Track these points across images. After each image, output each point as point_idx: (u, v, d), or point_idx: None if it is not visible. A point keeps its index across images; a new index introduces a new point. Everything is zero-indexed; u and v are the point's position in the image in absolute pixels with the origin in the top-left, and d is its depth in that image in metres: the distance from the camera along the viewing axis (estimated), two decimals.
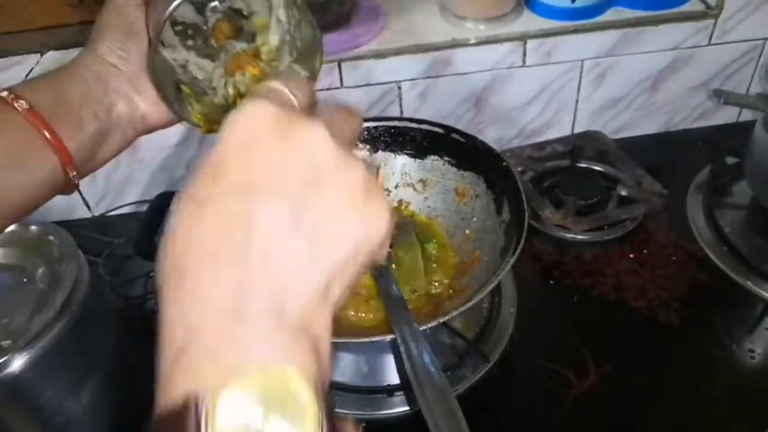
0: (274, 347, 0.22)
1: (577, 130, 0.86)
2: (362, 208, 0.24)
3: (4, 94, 0.35)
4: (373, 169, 0.27)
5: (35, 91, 0.36)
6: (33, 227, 0.61)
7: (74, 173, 0.36)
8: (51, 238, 0.59)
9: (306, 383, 0.21)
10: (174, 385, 0.22)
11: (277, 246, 0.23)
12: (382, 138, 0.72)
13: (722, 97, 0.63)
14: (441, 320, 0.51)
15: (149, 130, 0.41)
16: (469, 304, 0.51)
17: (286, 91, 0.26)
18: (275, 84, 0.26)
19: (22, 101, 0.34)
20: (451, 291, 0.62)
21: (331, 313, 0.24)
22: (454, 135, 0.68)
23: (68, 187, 0.37)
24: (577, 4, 0.75)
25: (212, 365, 0.21)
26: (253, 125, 0.24)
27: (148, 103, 0.39)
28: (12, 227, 0.60)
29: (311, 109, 0.28)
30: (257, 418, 0.20)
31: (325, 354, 0.23)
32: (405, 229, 0.66)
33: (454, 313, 0.51)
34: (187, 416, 0.20)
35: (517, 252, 0.54)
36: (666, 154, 0.84)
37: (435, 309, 0.59)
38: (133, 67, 0.38)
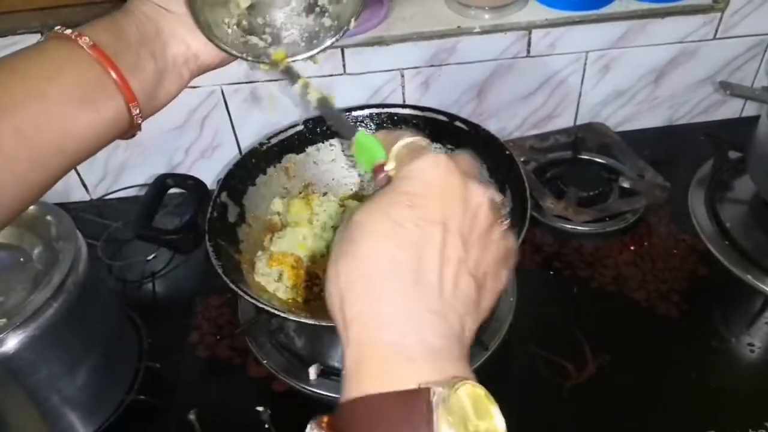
0: (464, 367, 0.27)
1: (579, 122, 0.85)
2: (501, 268, 0.31)
3: (68, 32, 0.35)
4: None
5: (96, 30, 0.36)
6: (31, 207, 0.60)
7: (138, 112, 0.37)
8: (49, 218, 0.59)
9: (495, 406, 0.26)
10: (388, 369, 0.25)
11: (463, 282, 0.28)
12: (384, 125, 0.71)
13: (728, 88, 0.62)
14: None
15: (203, 70, 0.42)
16: None
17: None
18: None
19: (85, 38, 0.35)
20: None
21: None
22: (457, 123, 0.68)
23: (131, 128, 0.38)
24: None
25: (434, 366, 0.26)
26: (442, 173, 0.29)
27: (199, 42, 0.40)
28: None
29: None
30: (472, 414, 0.24)
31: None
32: None
33: None
34: (416, 402, 0.24)
35: (520, 239, 0.54)
36: (669, 148, 0.84)
37: None
38: (180, 7, 0.39)
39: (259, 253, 0.60)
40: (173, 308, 0.72)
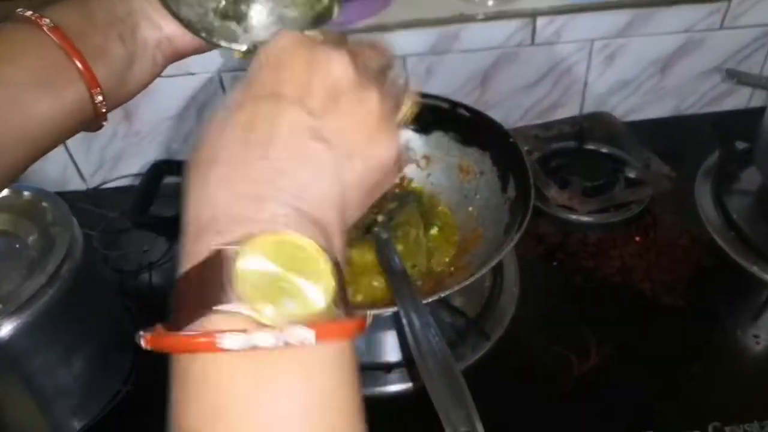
0: (293, 228, 0.23)
1: (585, 112, 0.84)
2: (374, 132, 0.27)
3: (29, 13, 0.34)
4: (400, 102, 0.30)
5: (60, 11, 0.35)
6: (26, 193, 0.59)
7: (101, 100, 0.35)
8: (45, 204, 0.58)
9: (323, 253, 0.23)
10: (200, 247, 0.23)
11: (298, 144, 0.25)
12: None
13: (735, 76, 0.61)
14: (442, 294, 0.50)
15: (179, 56, 0.40)
16: (472, 278, 0.50)
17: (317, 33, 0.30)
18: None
19: (46, 19, 0.34)
20: (452, 269, 0.60)
21: (344, 225, 0.26)
22: (459, 110, 0.66)
23: (97, 118, 0.36)
24: None
25: (238, 230, 0.23)
26: (283, 47, 0.27)
27: (173, 25, 0.38)
28: (5, 192, 0.59)
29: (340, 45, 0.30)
30: (277, 270, 0.22)
31: (341, 251, 0.25)
32: (406, 200, 0.65)
33: (456, 287, 0.49)
34: (212, 268, 0.22)
35: (523, 227, 0.53)
36: (675, 139, 0.83)
37: (436, 286, 0.58)
38: None
39: None
40: (169, 298, 0.71)
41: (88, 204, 0.81)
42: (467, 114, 0.66)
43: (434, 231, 0.65)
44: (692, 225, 0.70)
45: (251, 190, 0.24)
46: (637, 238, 0.69)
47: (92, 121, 0.36)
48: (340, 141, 0.26)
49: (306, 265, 0.22)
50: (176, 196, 0.85)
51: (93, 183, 0.86)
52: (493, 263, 0.52)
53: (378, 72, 0.29)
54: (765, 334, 0.60)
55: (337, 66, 0.27)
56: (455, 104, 0.67)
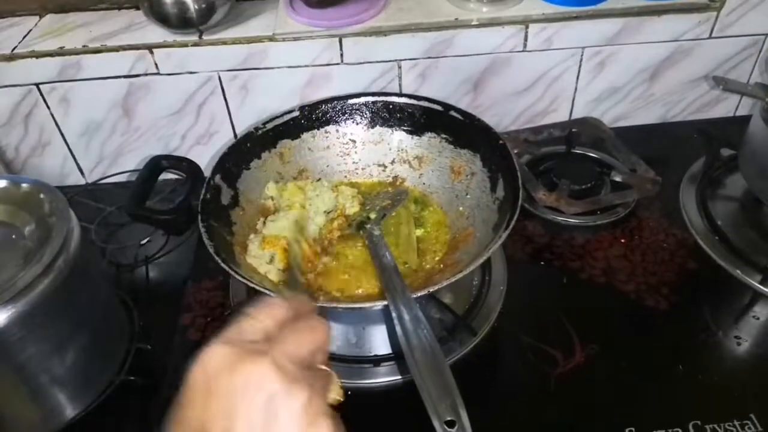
0: None
1: (574, 118, 0.86)
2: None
3: None
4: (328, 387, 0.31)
5: None
6: (24, 185, 0.60)
7: None
8: (42, 196, 0.59)
9: None
10: None
11: None
12: (380, 113, 0.72)
13: (722, 83, 0.63)
14: (431, 290, 0.51)
15: None
16: (460, 275, 0.51)
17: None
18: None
19: None
20: (442, 266, 0.62)
21: None
22: (452, 112, 0.68)
23: None
24: None
25: None
26: (210, 369, 0.28)
27: None
28: (3, 183, 0.60)
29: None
30: None
31: None
32: (399, 198, 0.66)
33: (445, 283, 0.51)
34: None
35: (511, 226, 0.54)
36: (662, 145, 0.84)
37: (426, 282, 0.59)
38: None
39: (252, 235, 0.61)
40: (166, 292, 0.72)
41: (87, 198, 0.83)
42: (459, 117, 0.67)
43: (426, 229, 0.67)
44: (677, 229, 0.72)
45: None
46: (623, 241, 0.70)
47: None
48: None
49: None
50: (172, 194, 0.86)
51: (92, 178, 0.87)
52: (481, 261, 0.53)
53: (312, 355, 0.31)
54: (746, 335, 0.61)
55: (261, 379, 0.28)
56: (448, 107, 0.68)
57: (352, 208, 0.66)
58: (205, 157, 0.84)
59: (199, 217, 0.56)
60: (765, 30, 0.81)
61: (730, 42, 0.81)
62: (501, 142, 0.63)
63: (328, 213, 0.64)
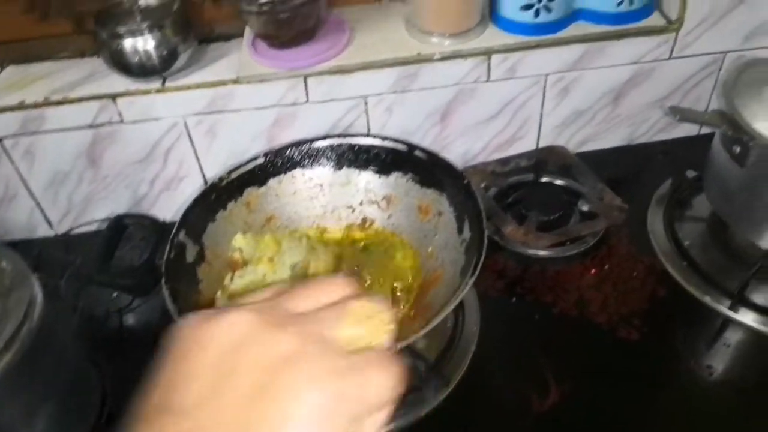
0: None
1: (542, 144, 0.87)
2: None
3: None
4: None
5: None
6: None
7: None
8: (3, 264, 0.58)
9: None
10: None
11: None
12: (346, 155, 0.71)
13: (677, 114, 0.63)
14: (400, 346, 0.51)
15: None
16: (428, 327, 0.51)
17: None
18: None
19: None
20: (413, 312, 0.62)
21: None
22: (416, 152, 0.68)
23: None
24: (540, 20, 0.75)
25: None
26: (185, 323, 0.27)
27: None
28: None
29: None
30: None
31: None
32: (372, 251, 0.66)
33: (413, 338, 0.51)
34: None
35: (476, 273, 0.54)
36: (629, 167, 0.85)
37: (397, 328, 0.59)
38: None
39: (218, 293, 0.60)
40: (141, 341, 0.71)
41: (57, 249, 0.82)
42: (424, 156, 0.67)
43: (404, 281, 0.66)
44: (646, 255, 0.72)
45: None
46: (593, 271, 0.71)
47: None
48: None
49: None
50: (143, 240, 0.84)
51: (61, 229, 0.86)
52: (449, 309, 0.53)
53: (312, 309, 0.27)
54: (717, 364, 0.62)
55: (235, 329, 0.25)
56: (412, 147, 0.68)
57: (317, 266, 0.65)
58: (174, 203, 0.83)
59: (163, 280, 0.56)
60: (724, 48, 0.82)
61: (690, 61, 0.82)
62: (465, 182, 0.63)
63: (294, 267, 0.63)
